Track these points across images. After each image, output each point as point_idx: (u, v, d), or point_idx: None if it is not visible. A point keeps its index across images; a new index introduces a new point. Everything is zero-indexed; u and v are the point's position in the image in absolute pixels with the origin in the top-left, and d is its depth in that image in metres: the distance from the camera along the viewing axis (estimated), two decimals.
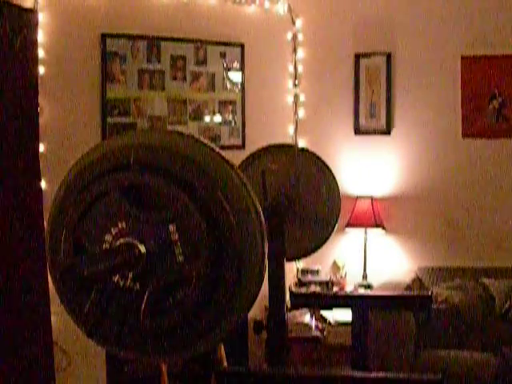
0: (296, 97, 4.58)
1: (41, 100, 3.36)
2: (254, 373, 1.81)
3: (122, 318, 1.06)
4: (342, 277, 4.46)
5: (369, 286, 4.31)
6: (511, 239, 4.41)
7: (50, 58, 3.66)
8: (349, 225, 4.45)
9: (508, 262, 4.31)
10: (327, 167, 2.62)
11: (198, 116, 4.22)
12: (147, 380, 3.58)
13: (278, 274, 2.45)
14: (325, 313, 4.30)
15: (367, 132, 4.63)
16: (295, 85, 4.57)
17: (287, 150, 2.70)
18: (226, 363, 2.41)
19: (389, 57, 4.56)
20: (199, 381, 2.29)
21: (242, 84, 4.37)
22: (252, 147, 2.67)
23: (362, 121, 4.64)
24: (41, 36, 3.51)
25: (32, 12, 3.19)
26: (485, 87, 4.42)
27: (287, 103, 4.58)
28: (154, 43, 4.03)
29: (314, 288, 4.16)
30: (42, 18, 3.57)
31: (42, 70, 3.54)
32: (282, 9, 4.49)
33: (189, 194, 1.04)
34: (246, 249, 1.05)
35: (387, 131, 4.58)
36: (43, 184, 3.36)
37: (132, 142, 1.11)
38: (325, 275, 4.44)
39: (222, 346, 2.48)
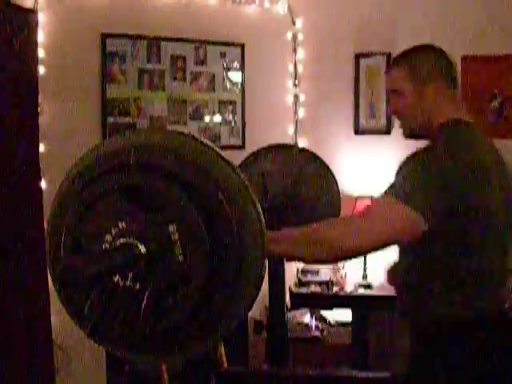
0: (296, 97, 4.58)
1: (41, 100, 3.36)
2: (254, 373, 1.81)
3: (122, 318, 1.06)
4: (342, 277, 4.46)
5: (369, 286, 4.30)
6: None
7: (49, 58, 3.66)
8: None
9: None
10: (327, 167, 2.62)
11: (197, 116, 4.22)
12: (147, 380, 3.58)
13: (278, 274, 2.45)
14: (325, 313, 4.30)
15: (367, 132, 4.63)
16: (295, 85, 4.57)
17: (287, 150, 2.70)
18: (225, 363, 2.42)
19: (389, 57, 4.55)
20: (199, 381, 2.29)
21: (242, 84, 4.37)
22: (252, 147, 2.67)
23: (362, 121, 4.63)
24: (41, 36, 3.51)
25: (32, 12, 3.19)
26: (485, 87, 4.42)
27: (287, 103, 4.58)
28: (154, 43, 4.03)
29: (314, 288, 4.16)
30: (41, 17, 3.57)
31: (42, 69, 3.54)
32: (282, 9, 4.49)
33: (189, 194, 1.04)
34: (246, 249, 1.05)
35: (387, 131, 4.58)
36: (43, 184, 3.36)
37: (132, 142, 1.11)
38: (325, 275, 4.43)
39: (222, 346, 2.48)
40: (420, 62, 1.97)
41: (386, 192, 1.72)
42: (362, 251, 1.73)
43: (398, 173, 1.74)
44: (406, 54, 2.03)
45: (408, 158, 1.76)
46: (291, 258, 1.85)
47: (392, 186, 1.72)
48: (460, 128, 1.87)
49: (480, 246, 1.77)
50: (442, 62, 2.00)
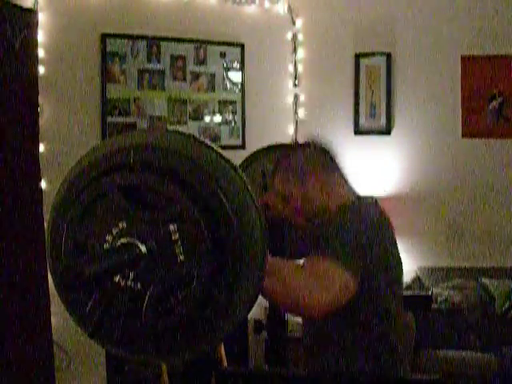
0: (296, 97, 4.58)
1: (41, 100, 3.36)
2: (254, 373, 1.81)
3: (123, 319, 1.06)
4: None
5: None
6: (511, 239, 4.41)
7: (49, 57, 3.66)
8: None
9: (508, 262, 4.31)
10: None
11: (197, 116, 4.22)
12: (147, 380, 3.58)
13: None
14: None
15: (367, 132, 4.63)
16: (295, 85, 4.57)
17: None
18: (226, 363, 2.42)
19: (389, 57, 4.56)
20: (199, 381, 2.29)
21: (242, 84, 4.37)
22: (252, 147, 2.67)
23: (362, 121, 4.64)
24: (41, 36, 3.51)
25: (32, 12, 3.19)
26: (485, 87, 4.42)
27: (287, 103, 4.58)
28: (154, 43, 4.03)
29: None
30: (41, 17, 3.57)
31: (42, 69, 3.54)
32: (282, 9, 4.49)
33: (189, 193, 1.03)
34: (247, 248, 1.05)
35: (387, 131, 4.58)
36: (43, 184, 3.36)
37: (132, 141, 1.11)
38: None
39: (222, 346, 2.49)
40: (297, 163, 1.98)
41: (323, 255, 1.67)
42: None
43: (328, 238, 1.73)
44: (284, 160, 2.02)
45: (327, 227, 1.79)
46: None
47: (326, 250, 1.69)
48: (357, 205, 1.96)
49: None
50: (318, 156, 2.05)
